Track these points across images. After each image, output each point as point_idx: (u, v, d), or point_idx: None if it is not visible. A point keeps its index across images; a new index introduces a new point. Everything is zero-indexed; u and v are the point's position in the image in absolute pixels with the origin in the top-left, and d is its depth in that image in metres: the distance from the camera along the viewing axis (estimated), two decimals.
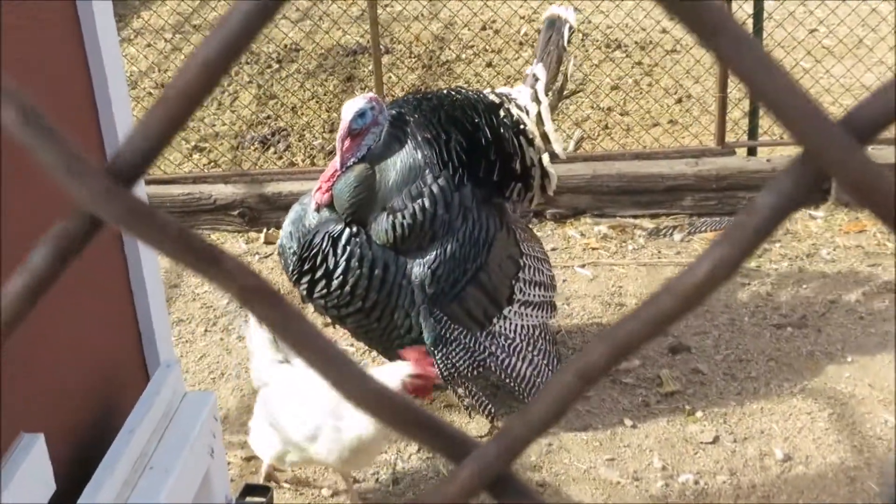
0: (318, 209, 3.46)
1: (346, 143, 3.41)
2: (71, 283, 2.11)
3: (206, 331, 4.42)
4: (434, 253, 3.42)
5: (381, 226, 3.39)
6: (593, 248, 4.85)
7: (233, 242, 5.09)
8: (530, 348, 3.64)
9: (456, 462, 0.43)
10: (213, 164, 5.60)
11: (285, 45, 6.56)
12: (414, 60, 6.49)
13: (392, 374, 3.00)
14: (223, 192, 5.16)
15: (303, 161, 5.54)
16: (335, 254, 3.38)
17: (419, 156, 3.43)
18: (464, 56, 6.51)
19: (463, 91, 3.70)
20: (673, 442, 3.63)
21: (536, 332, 3.68)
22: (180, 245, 0.33)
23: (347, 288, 3.41)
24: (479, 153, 3.53)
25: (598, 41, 6.58)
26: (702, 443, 3.62)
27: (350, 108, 3.40)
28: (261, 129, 5.85)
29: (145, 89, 6.33)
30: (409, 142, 3.44)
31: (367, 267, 3.39)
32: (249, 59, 6.44)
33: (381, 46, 5.73)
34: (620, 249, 4.83)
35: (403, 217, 3.37)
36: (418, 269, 3.42)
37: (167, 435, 2.21)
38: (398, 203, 3.38)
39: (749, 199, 4.94)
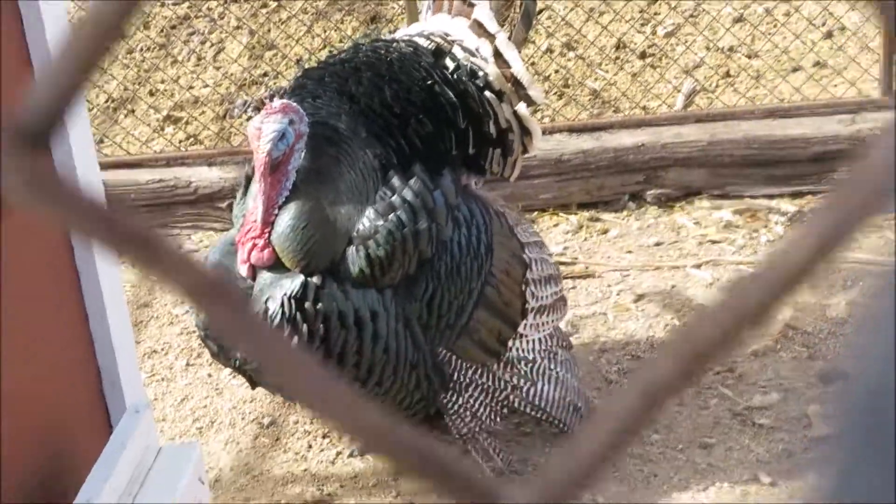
0: (252, 277, 3.38)
1: (269, 179, 3.33)
2: (4, 304, 2.13)
3: (188, 364, 4.43)
4: (425, 279, 3.45)
5: (353, 262, 3.36)
6: (713, 242, 4.84)
7: None
8: (552, 365, 3.74)
9: None
10: (192, 139, 5.64)
11: None
12: None
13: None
14: (207, 176, 5.19)
15: None
16: (306, 319, 3.31)
17: (370, 157, 3.43)
18: None
19: (393, 45, 3.69)
20: None
21: (553, 342, 3.79)
22: (103, 227, 0.33)
23: (333, 360, 3.33)
24: (447, 126, 3.57)
25: None
26: None
27: (263, 131, 3.30)
28: (256, 92, 5.85)
29: None
30: (346, 142, 3.43)
31: (353, 321, 3.35)
32: None
33: None
34: (750, 243, 4.81)
35: (378, 243, 3.35)
36: (411, 305, 3.43)
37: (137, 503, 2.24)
38: (364, 227, 3.36)
39: None
